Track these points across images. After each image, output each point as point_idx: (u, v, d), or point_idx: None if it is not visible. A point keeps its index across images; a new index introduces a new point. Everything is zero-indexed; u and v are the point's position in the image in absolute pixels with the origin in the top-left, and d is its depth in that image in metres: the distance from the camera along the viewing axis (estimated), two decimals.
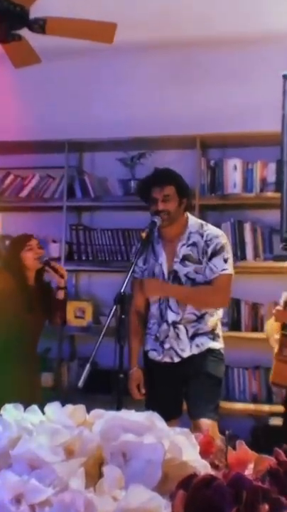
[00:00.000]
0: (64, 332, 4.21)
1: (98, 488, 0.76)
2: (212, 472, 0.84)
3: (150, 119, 4.27)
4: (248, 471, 0.96)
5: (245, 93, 4.18)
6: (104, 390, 3.44)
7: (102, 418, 0.85)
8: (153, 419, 0.84)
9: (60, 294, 3.19)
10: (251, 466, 0.98)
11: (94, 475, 0.81)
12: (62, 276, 3.16)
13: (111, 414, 0.85)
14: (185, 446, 0.83)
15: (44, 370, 4.17)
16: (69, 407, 0.90)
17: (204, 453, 0.95)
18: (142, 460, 0.78)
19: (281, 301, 2.89)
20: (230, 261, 2.88)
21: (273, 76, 2.76)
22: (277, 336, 2.98)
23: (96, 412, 0.89)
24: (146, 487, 0.74)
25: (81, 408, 0.90)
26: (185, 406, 2.92)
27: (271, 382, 3.09)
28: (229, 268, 2.86)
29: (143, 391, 2.88)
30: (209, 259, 2.84)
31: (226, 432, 0.92)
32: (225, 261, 2.84)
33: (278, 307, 2.90)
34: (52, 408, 0.87)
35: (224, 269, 2.83)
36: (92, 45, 3.20)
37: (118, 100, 4.43)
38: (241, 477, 0.76)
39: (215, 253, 2.84)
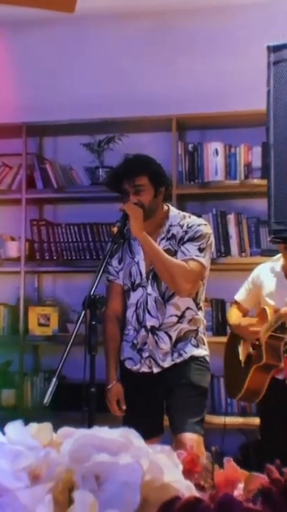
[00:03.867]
0: (26, 342, 4.19)
1: None
2: (198, 494, 0.84)
3: (120, 98, 4.26)
4: (238, 492, 0.96)
5: (227, 68, 4.21)
6: (73, 406, 3.41)
7: (71, 437, 0.84)
8: (129, 436, 0.84)
9: None
10: (240, 485, 0.98)
11: (62, 502, 0.80)
12: None
13: (82, 432, 0.85)
14: (166, 466, 0.83)
15: (4, 387, 4.15)
16: (33, 425, 0.89)
17: (189, 473, 0.95)
18: (118, 483, 0.78)
19: None
20: (207, 254, 2.84)
21: (259, 48, 2.77)
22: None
23: (65, 430, 0.88)
24: None
25: (47, 426, 0.89)
26: (166, 422, 2.93)
27: (240, 398, 3.21)
28: (204, 260, 2.82)
29: (124, 407, 2.88)
30: (183, 243, 2.83)
31: (213, 448, 0.93)
32: (200, 250, 2.81)
33: None
34: (14, 427, 0.87)
35: (197, 256, 2.80)
36: (53, 15, 3.19)
37: (83, 77, 4.42)
38: (230, 499, 0.76)
39: (191, 239, 2.83)
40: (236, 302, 3.41)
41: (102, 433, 0.84)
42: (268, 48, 2.77)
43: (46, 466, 0.81)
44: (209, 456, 0.94)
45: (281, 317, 3.00)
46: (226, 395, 4.01)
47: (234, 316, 3.39)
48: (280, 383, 3.11)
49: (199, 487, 0.92)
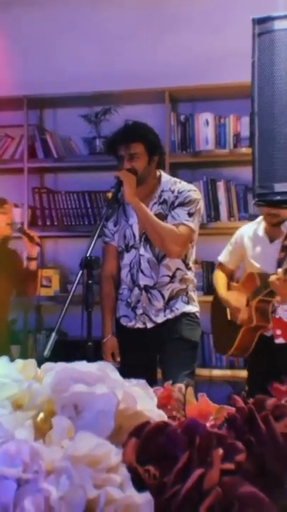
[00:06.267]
0: (30, 302, 4.22)
1: (47, 440, 0.77)
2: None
3: (115, 72, 4.22)
4: (210, 424, 0.99)
5: (217, 41, 4.15)
6: (72, 360, 3.46)
7: (52, 370, 0.86)
8: (105, 369, 0.86)
9: (33, 265, 3.27)
10: (212, 418, 1.00)
11: (45, 430, 0.82)
12: (38, 244, 3.23)
13: (62, 365, 0.87)
14: (140, 397, 0.85)
15: (10, 343, 4.18)
16: (19, 361, 0.91)
17: (164, 407, 0.97)
18: (94, 411, 0.80)
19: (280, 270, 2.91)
20: (196, 219, 2.84)
21: (246, 22, 2.73)
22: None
23: (47, 365, 0.90)
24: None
25: (31, 362, 0.91)
26: (159, 374, 2.96)
27: (230, 354, 3.23)
28: (193, 224, 2.82)
29: (119, 359, 2.91)
30: (174, 208, 2.83)
31: (185, 382, 0.94)
32: (190, 215, 2.81)
33: (278, 276, 2.91)
34: (0, 363, 0.88)
35: (187, 220, 2.80)
36: None
37: (80, 51, 4.37)
38: (195, 423, 0.78)
39: (181, 204, 2.82)
40: (220, 264, 3.40)
41: (81, 366, 0.86)
42: (253, 20, 2.72)
43: (29, 396, 0.83)
44: (182, 389, 0.96)
45: (269, 284, 2.99)
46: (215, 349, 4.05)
47: (219, 280, 3.36)
48: (267, 340, 3.13)
49: (172, 418, 0.94)
